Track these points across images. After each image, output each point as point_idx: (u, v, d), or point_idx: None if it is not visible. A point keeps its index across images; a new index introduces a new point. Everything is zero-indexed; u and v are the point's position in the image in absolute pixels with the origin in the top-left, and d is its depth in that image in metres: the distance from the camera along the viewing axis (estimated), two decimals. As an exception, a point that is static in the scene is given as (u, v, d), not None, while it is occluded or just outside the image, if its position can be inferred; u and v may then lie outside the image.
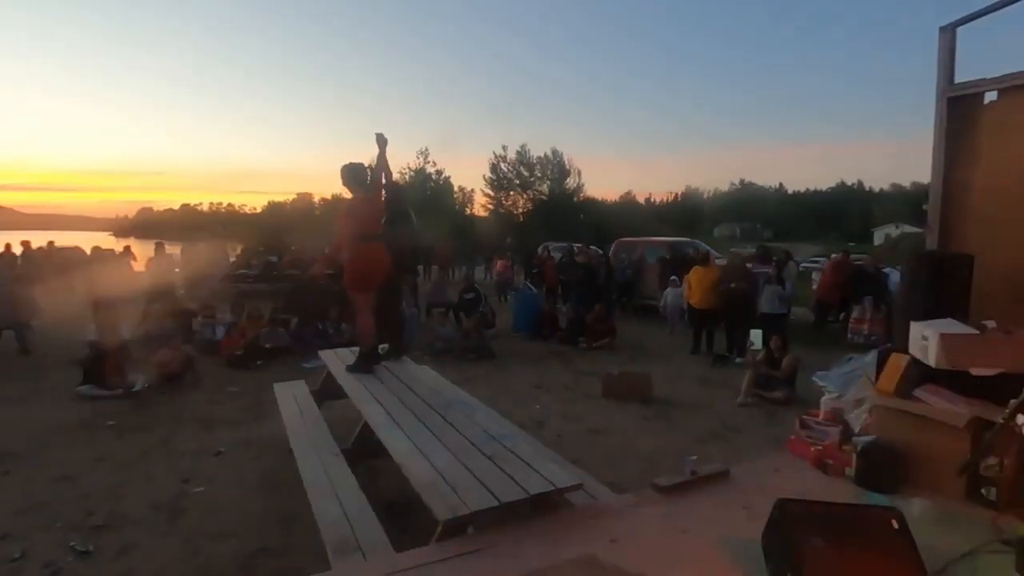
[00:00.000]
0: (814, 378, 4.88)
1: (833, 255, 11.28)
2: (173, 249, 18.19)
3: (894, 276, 8.58)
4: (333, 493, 2.91)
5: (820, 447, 2.94)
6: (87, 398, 5.79)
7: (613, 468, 4.08)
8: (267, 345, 7.51)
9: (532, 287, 10.40)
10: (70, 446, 4.61)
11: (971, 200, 3.43)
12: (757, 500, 2.57)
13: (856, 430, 2.98)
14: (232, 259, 16.08)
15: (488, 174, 45.89)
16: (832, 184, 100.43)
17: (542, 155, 47.07)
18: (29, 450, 4.52)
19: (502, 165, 46.87)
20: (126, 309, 9.46)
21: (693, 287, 7.89)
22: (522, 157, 46.90)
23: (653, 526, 2.22)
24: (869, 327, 8.15)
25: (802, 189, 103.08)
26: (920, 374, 2.81)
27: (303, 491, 3.64)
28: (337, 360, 4.72)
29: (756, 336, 6.01)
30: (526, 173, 46.51)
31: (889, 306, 8.34)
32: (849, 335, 8.29)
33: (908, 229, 60.32)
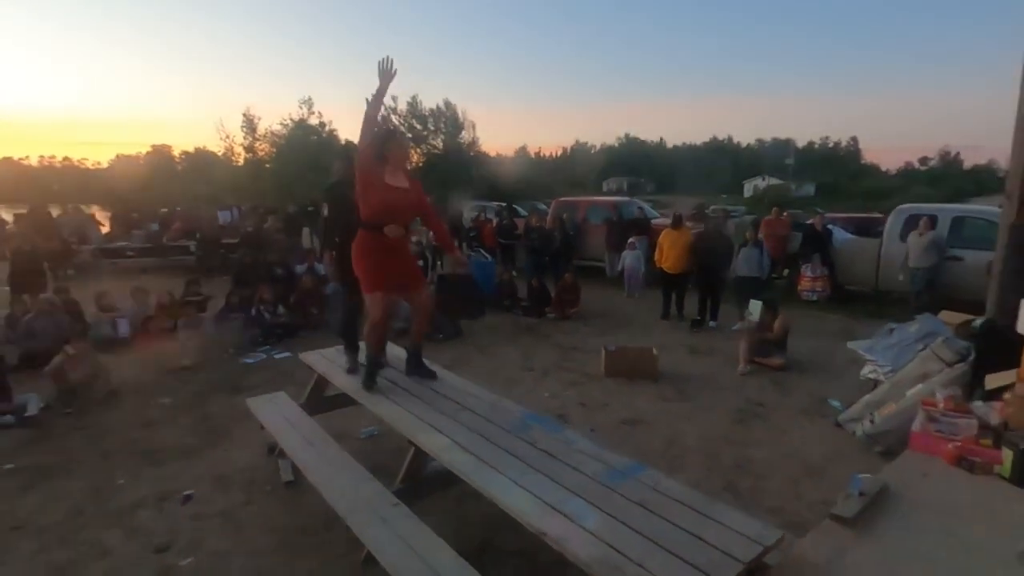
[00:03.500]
0: (853, 348, 4.81)
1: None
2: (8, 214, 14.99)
3: (838, 234, 8.98)
4: (432, 572, 2.19)
5: (957, 443, 2.73)
6: (-41, 433, 4.32)
7: (684, 470, 3.70)
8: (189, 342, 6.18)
9: (486, 254, 9.68)
10: (-42, 512, 3.34)
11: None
12: (956, 525, 2.27)
13: (994, 422, 2.80)
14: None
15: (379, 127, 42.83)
16: (706, 139, 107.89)
17: (434, 107, 44.92)
18: None
19: (392, 117, 44.12)
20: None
21: (665, 251, 7.65)
22: (413, 109, 44.38)
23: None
24: (820, 284, 8.49)
25: (680, 143, 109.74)
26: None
27: (343, 549, 2.89)
28: (334, 367, 3.81)
29: (755, 307, 5.88)
30: (418, 126, 44.14)
31: (833, 264, 8.76)
32: (802, 293, 8.59)
33: (773, 181, 66.53)
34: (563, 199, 12.65)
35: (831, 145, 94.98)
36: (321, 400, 4.06)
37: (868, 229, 9.29)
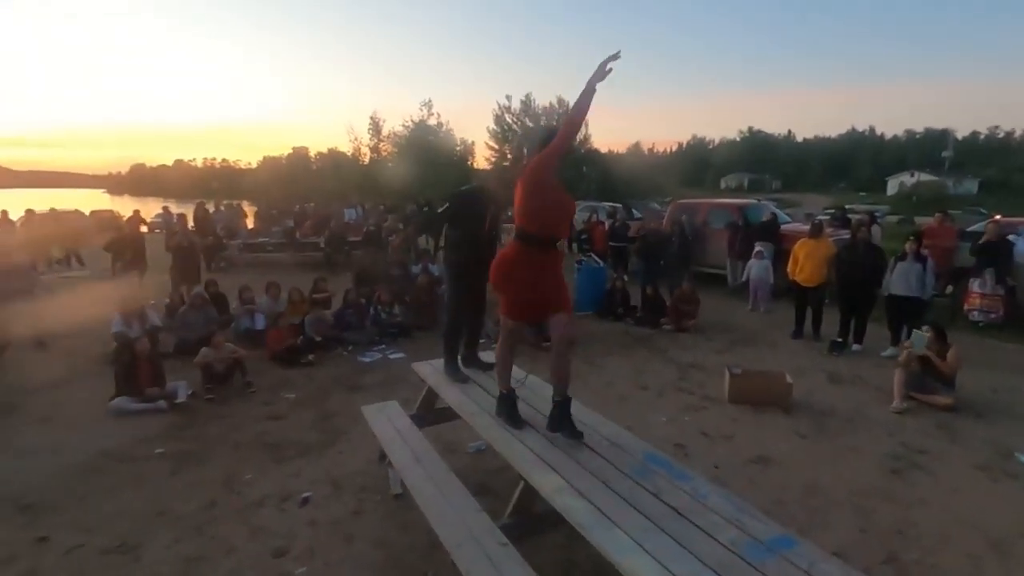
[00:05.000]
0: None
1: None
2: (179, 210, 17.04)
3: (1021, 245, 7.56)
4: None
5: None
6: (123, 414, 4.87)
7: (830, 530, 3.20)
8: (317, 337, 6.55)
9: (598, 259, 9.37)
10: (117, 490, 3.71)
11: None
12: None
13: None
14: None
15: (492, 125, 43.85)
16: (843, 131, 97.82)
17: (547, 104, 44.94)
18: (67, 498, 3.62)
19: (506, 116, 44.94)
20: (150, 291, 8.50)
21: (801, 261, 6.88)
22: (527, 107, 44.76)
23: None
24: (994, 305, 7.20)
25: (812, 136, 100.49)
26: None
27: (449, 574, 2.80)
28: (445, 379, 3.75)
29: (919, 339, 5.04)
30: (531, 124, 44.47)
31: (1015, 281, 7.39)
32: (970, 313, 7.35)
33: (924, 177, 58.32)
34: (682, 201, 11.95)
35: (1001, 135, 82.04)
36: (431, 411, 4.04)
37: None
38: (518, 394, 3.13)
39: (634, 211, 14.90)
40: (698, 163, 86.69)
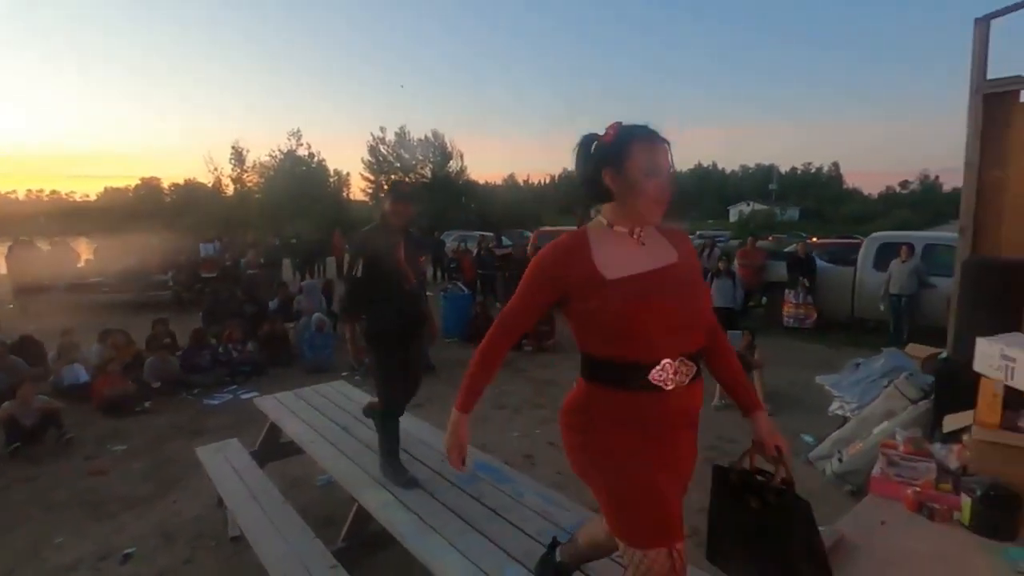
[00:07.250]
0: (821, 383, 4.76)
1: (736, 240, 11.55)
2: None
3: (821, 264, 9.04)
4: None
5: (916, 488, 2.64)
6: None
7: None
8: (155, 384, 6.02)
9: (463, 287, 9.62)
10: None
11: (1006, 201, 3.33)
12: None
13: (952, 466, 2.72)
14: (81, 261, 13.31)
15: (366, 157, 43.39)
16: (691, 165, 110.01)
17: (422, 137, 45.47)
18: None
19: (381, 147, 44.67)
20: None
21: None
22: (401, 139, 44.95)
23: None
24: (804, 311, 8.52)
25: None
26: (1016, 401, 2.61)
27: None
28: (286, 412, 3.69)
29: (733, 338, 5.87)
30: (406, 156, 44.66)
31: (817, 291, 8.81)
32: (785, 319, 8.62)
33: (758, 206, 67.41)
34: (544, 229, 12.70)
35: (813, 171, 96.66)
36: (275, 447, 3.93)
37: (844, 257, 9.31)
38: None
39: (505, 239, 15.50)
40: (570, 194, 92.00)
